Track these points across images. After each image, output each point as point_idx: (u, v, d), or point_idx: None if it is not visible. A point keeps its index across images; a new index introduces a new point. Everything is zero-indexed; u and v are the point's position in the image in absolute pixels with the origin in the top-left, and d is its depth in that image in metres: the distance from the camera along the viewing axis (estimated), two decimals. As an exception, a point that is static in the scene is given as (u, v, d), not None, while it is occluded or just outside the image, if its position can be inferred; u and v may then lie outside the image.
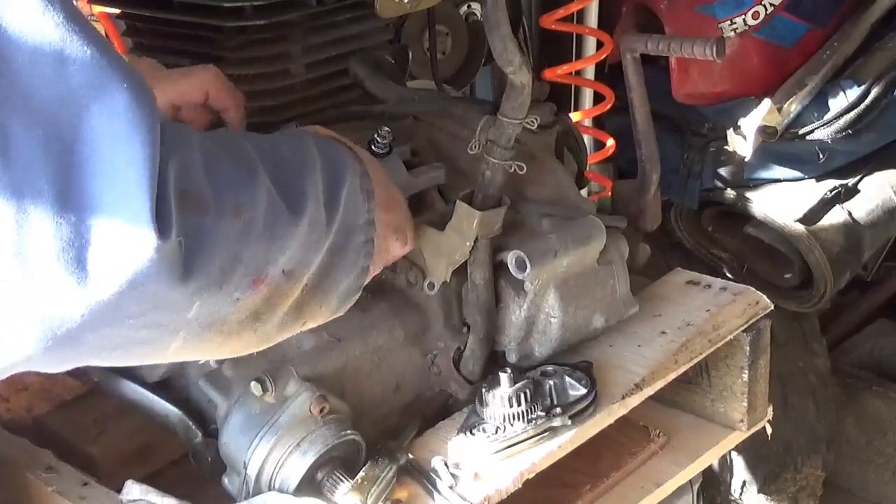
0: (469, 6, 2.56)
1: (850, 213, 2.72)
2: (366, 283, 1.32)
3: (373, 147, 1.52)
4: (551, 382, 1.47)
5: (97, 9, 2.16)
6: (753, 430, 1.72)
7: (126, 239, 0.98)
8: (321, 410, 1.35)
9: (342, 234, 1.25)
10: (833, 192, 2.71)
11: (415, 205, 1.55)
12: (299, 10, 1.59)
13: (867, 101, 2.68)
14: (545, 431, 1.43)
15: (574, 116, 2.49)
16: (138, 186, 0.98)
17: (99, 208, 0.97)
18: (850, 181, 2.75)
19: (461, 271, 1.51)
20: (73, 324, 0.99)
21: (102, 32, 2.29)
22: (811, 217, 2.68)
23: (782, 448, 2.80)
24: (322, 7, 1.61)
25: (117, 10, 1.78)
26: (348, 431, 1.36)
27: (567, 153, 1.78)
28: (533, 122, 1.47)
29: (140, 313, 1.03)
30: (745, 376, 1.67)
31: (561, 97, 2.66)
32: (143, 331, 1.05)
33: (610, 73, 2.69)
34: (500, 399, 1.42)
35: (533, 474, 1.41)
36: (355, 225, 1.27)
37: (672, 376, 1.58)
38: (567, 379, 1.48)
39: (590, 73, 2.69)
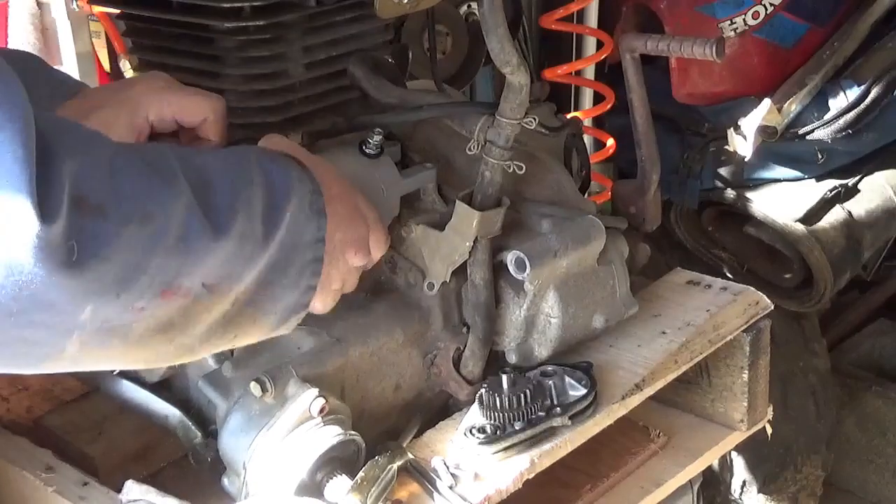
0: (469, 6, 2.56)
1: (850, 213, 2.72)
2: (311, 301, 1.31)
3: (364, 148, 1.52)
4: (551, 383, 1.47)
5: (97, 9, 2.17)
6: (753, 430, 1.72)
7: (3, 222, 0.97)
8: (321, 411, 1.35)
9: (284, 250, 1.23)
10: (833, 192, 2.72)
11: (413, 205, 1.55)
12: (298, 11, 1.59)
13: (867, 101, 2.69)
14: (545, 432, 1.43)
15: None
16: (12, 169, 0.97)
17: None
18: (850, 181, 2.75)
19: (461, 272, 1.51)
20: None
21: (102, 32, 2.30)
22: (811, 217, 2.68)
23: (782, 448, 2.80)
24: (321, 8, 1.61)
25: (117, 11, 1.78)
26: (348, 432, 1.36)
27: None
28: (531, 121, 1.47)
29: (21, 310, 1.01)
30: (745, 376, 1.67)
31: (561, 97, 2.67)
32: (29, 330, 1.03)
33: (610, 73, 2.70)
34: (500, 399, 1.42)
35: (533, 474, 1.41)
36: (300, 243, 1.26)
37: (672, 376, 1.58)
38: (567, 379, 1.48)
39: (590, 73, 2.70)
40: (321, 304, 1.38)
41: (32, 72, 1.28)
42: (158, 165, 1.13)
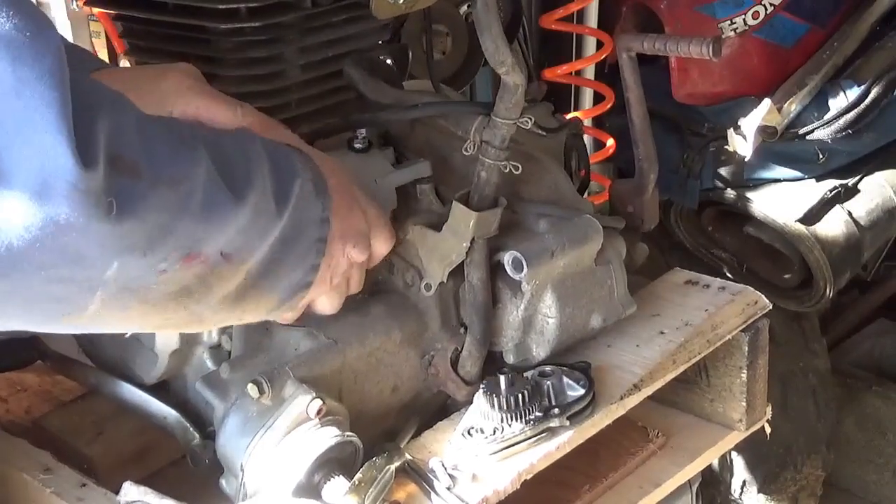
0: (469, 6, 2.56)
1: (850, 213, 2.72)
2: (314, 281, 1.32)
3: (354, 144, 1.52)
4: (549, 383, 1.47)
5: (96, 10, 2.17)
6: (752, 429, 1.72)
7: (41, 172, 0.96)
8: (318, 412, 1.35)
9: (292, 227, 1.25)
10: (833, 192, 2.71)
11: (410, 206, 1.55)
12: (294, 12, 1.59)
13: (867, 101, 2.68)
14: (543, 432, 1.43)
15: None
16: (47, 113, 0.95)
17: (7, 155, 0.95)
18: (850, 181, 2.75)
19: (458, 272, 1.51)
20: None
21: (102, 32, 2.30)
22: (811, 217, 2.68)
23: (782, 448, 2.80)
24: (317, 8, 1.61)
25: (114, 12, 1.78)
26: (346, 433, 1.36)
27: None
28: (527, 122, 1.47)
29: (51, 264, 1.00)
30: (744, 376, 1.66)
31: (561, 97, 2.67)
32: (56, 286, 1.03)
33: (610, 72, 2.70)
34: (498, 400, 1.42)
35: (531, 475, 1.41)
36: (308, 220, 1.28)
37: (670, 376, 1.58)
38: (565, 379, 1.48)
39: (590, 73, 2.70)
40: (328, 301, 1.39)
41: None
42: (181, 133, 1.15)
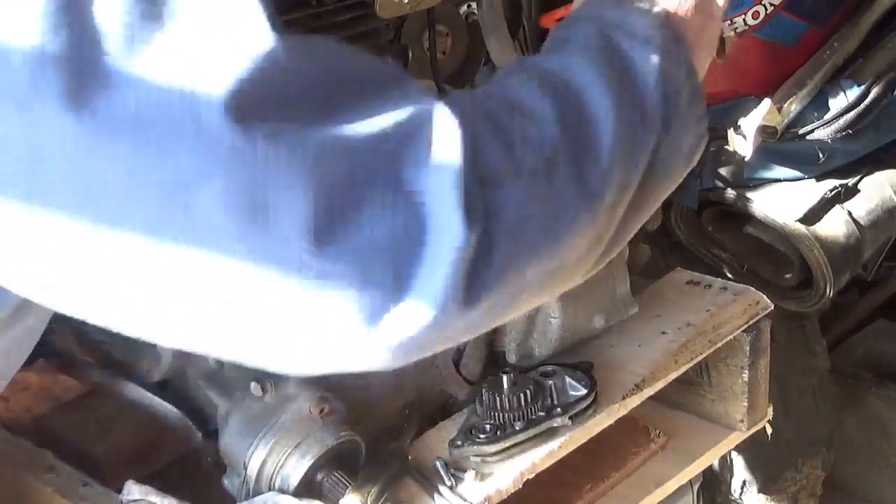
0: (469, 6, 2.55)
1: (850, 213, 2.72)
2: (705, 135, 1.13)
3: None
4: (551, 383, 1.47)
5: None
6: (753, 430, 1.72)
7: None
8: (321, 411, 1.35)
9: (666, 120, 1.07)
10: (833, 192, 2.71)
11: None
12: (299, 10, 1.59)
13: (867, 101, 2.68)
14: (545, 432, 1.43)
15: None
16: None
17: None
18: (850, 181, 2.74)
19: (461, 272, 1.50)
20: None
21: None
22: (811, 217, 2.67)
23: (782, 448, 2.80)
24: (322, 8, 1.61)
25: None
26: (348, 432, 1.36)
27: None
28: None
29: None
30: (746, 376, 1.67)
31: (560, 97, 2.66)
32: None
33: (610, 72, 2.69)
34: (501, 399, 1.42)
35: (533, 474, 1.41)
36: (678, 91, 1.09)
37: (672, 376, 1.58)
38: (567, 379, 1.48)
39: (590, 72, 2.69)
40: None
41: None
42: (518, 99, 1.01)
